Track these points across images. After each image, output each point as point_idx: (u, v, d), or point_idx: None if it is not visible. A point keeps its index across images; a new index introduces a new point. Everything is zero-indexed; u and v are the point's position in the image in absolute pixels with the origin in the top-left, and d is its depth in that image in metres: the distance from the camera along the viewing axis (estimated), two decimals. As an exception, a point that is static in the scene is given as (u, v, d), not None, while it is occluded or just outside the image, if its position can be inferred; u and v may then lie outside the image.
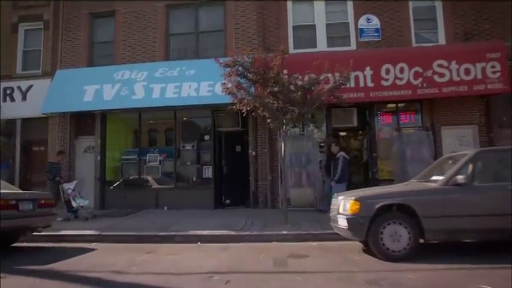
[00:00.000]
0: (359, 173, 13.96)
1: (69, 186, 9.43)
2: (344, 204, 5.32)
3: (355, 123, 11.20)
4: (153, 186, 11.42)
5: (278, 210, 10.05)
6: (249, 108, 8.28)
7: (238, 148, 11.43)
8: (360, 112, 11.17)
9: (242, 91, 7.93)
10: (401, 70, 9.80)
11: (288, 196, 10.09)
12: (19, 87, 12.15)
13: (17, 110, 12.00)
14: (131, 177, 11.69)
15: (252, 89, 8.14)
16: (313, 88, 8.15)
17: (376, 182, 10.35)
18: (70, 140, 11.91)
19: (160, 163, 11.61)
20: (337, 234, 6.34)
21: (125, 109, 10.88)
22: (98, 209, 11.22)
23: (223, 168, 11.23)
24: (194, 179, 11.45)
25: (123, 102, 10.76)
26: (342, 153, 9.21)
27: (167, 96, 10.59)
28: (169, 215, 9.83)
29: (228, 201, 11.08)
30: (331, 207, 6.15)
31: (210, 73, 10.20)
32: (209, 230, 7.41)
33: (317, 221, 8.14)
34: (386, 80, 9.86)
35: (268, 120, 7.87)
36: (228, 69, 8.16)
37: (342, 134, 13.29)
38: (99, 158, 11.53)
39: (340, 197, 5.63)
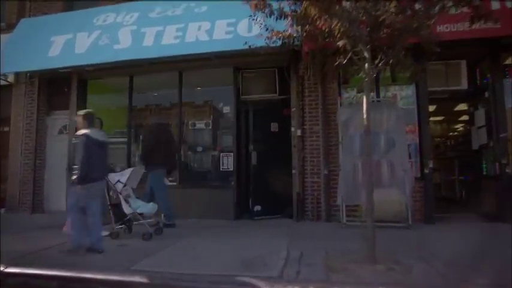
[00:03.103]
0: (446, 168, 9.62)
1: (118, 178, 5.46)
2: None
3: (463, 85, 6.87)
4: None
5: (340, 226, 6.01)
6: (295, 33, 4.35)
7: (274, 126, 7.46)
8: (472, 67, 6.87)
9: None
10: None
11: (358, 201, 6.06)
12: (-22, 46, 8.97)
13: (-27, 76, 8.79)
14: (118, 169, 8.07)
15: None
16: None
17: (509, 181, 6.05)
18: (39, 116, 8.50)
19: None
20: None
21: (100, 65, 7.23)
22: (69, 215, 7.79)
23: (250, 157, 7.28)
24: (207, 172, 7.65)
25: (99, 55, 7.16)
26: (87, 132, 4.63)
27: (164, 42, 6.87)
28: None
29: (258, 208, 7.13)
30: None
31: (230, 8, 6.52)
32: (214, 270, 3.53)
33: (431, 254, 4.04)
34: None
35: (340, 43, 3.76)
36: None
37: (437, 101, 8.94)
38: (73, 139, 8.02)
39: None
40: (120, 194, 5.42)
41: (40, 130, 8.48)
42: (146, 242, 5.13)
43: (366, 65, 4.00)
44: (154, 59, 6.88)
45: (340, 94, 6.98)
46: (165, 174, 6.45)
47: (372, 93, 6.81)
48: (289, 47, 5.89)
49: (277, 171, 7.14)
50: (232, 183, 7.13)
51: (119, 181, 5.47)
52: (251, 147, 7.28)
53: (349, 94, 7.01)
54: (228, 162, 7.29)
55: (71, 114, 8.15)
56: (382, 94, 6.91)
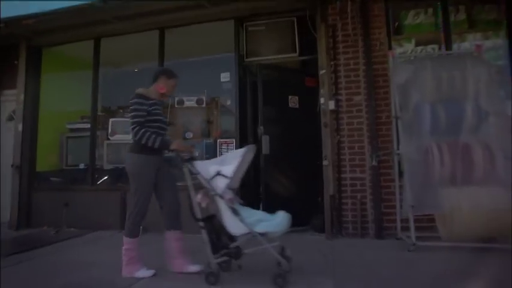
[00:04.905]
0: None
1: (218, 169, 2.88)
2: None
3: None
4: (120, 184, 5.56)
5: (405, 247, 3.74)
6: None
7: (293, 100, 5.25)
8: None
9: None
10: None
11: (435, 210, 3.82)
12: None
13: None
14: (80, 165, 5.99)
15: None
16: None
17: None
18: (-21, 97, 6.52)
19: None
20: None
21: (42, 15, 5.11)
22: (14, 228, 5.72)
23: (260, 144, 5.08)
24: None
25: (47, 3, 5.07)
26: None
27: (132, -22, 4.76)
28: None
29: (272, 218, 4.94)
30: None
31: None
32: None
33: None
34: None
35: None
36: None
37: None
38: (21, 127, 5.97)
39: None
40: (222, 198, 2.86)
41: (-18, 116, 6.48)
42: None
43: None
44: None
45: (390, 48, 4.75)
46: None
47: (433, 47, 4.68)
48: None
49: (300, 164, 4.97)
50: (235, 182, 4.94)
51: (219, 173, 2.87)
52: (261, 130, 5.07)
53: (405, 48, 4.83)
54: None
55: (18, 95, 6.11)
56: (454, 47, 4.66)
